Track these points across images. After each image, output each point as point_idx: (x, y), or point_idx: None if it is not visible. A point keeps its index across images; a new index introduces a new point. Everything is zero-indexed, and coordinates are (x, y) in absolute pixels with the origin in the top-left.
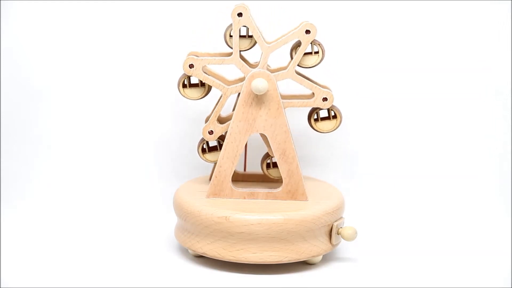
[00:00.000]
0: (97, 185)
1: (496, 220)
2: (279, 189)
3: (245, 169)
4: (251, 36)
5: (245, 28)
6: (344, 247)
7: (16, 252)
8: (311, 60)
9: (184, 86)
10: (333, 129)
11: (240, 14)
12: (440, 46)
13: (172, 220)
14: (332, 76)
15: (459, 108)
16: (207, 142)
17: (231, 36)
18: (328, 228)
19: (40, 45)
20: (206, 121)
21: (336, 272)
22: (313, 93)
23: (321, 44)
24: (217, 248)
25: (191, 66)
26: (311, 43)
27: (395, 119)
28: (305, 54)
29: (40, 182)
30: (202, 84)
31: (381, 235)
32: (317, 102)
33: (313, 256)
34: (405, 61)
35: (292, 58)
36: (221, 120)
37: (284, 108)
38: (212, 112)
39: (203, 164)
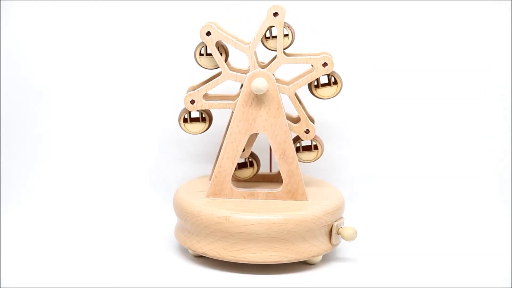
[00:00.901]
0: (97, 185)
1: (496, 220)
2: (279, 189)
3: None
4: (221, 53)
5: (217, 42)
6: (344, 247)
7: (16, 252)
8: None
9: (185, 121)
10: (333, 95)
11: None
12: (440, 46)
13: (172, 220)
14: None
15: (459, 108)
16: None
17: (201, 54)
18: (328, 228)
19: (40, 45)
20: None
21: (336, 272)
22: (312, 65)
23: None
24: (217, 248)
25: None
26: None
27: (395, 119)
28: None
29: (40, 182)
30: (203, 119)
31: (381, 235)
32: (319, 71)
33: (313, 256)
34: (405, 61)
35: (265, 46)
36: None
37: (294, 90)
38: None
39: (203, 164)
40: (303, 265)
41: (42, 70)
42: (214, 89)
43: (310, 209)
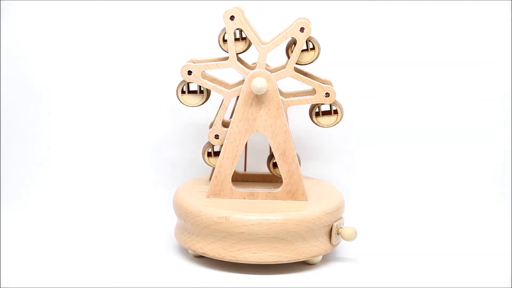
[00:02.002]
0: (97, 185)
1: (496, 220)
2: (279, 189)
3: (245, 169)
4: (245, 38)
5: (239, 30)
6: (344, 247)
7: (16, 252)
8: (308, 56)
9: (183, 92)
10: (334, 124)
11: (232, 18)
12: (439, 46)
13: (172, 220)
14: (332, 75)
15: (459, 109)
16: (188, 85)
17: (224, 40)
18: (328, 228)
19: (40, 45)
20: (211, 126)
21: (336, 272)
22: (315, 89)
23: (316, 40)
24: (217, 248)
25: (189, 72)
26: (330, 104)
27: (395, 119)
28: (301, 51)
29: (40, 182)
30: (201, 91)
31: (381, 235)
32: (319, 98)
33: (313, 256)
34: (405, 61)
35: (288, 56)
36: (225, 124)
37: (288, 106)
38: (216, 116)
39: (203, 164)
40: (303, 265)
41: (42, 70)
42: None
43: (310, 209)
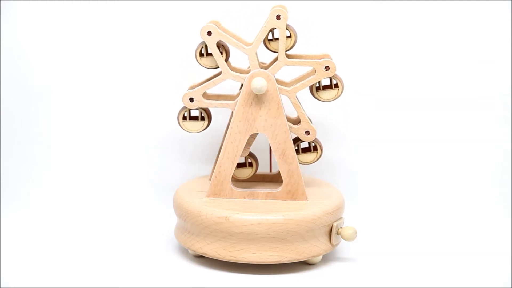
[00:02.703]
0: (97, 185)
1: (496, 220)
2: (279, 189)
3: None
4: (221, 53)
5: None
6: (344, 247)
7: (16, 252)
8: (331, 94)
9: (184, 118)
10: (335, 98)
11: (209, 33)
12: (439, 47)
13: (172, 220)
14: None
15: (459, 109)
16: (189, 111)
17: (201, 54)
18: (328, 228)
19: (40, 45)
20: (190, 89)
21: (336, 272)
22: (314, 69)
23: (341, 80)
24: (217, 248)
25: (191, 100)
26: (330, 78)
27: (395, 120)
28: (325, 87)
29: (40, 182)
30: (202, 117)
31: (381, 235)
32: (320, 74)
33: (313, 256)
34: (405, 62)
35: (267, 47)
36: (206, 97)
37: (295, 94)
38: (200, 83)
39: (203, 164)
40: (303, 265)
41: (42, 70)
42: (214, 89)
43: (310, 209)
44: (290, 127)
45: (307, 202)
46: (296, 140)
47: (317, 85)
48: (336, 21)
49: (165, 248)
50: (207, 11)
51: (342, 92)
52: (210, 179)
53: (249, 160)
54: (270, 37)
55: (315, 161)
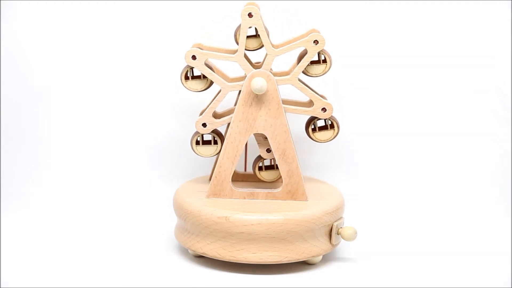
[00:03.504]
0: (97, 185)
1: (496, 220)
2: (279, 189)
3: (245, 169)
4: (258, 36)
5: (254, 28)
6: (344, 247)
7: (16, 252)
8: (319, 69)
9: (186, 78)
10: (330, 139)
11: (250, 15)
12: (440, 46)
13: (172, 220)
14: (331, 74)
15: (458, 109)
16: (202, 136)
17: (187, 78)
18: (328, 228)
19: (40, 45)
20: (201, 114)
21: (336, 272)
22: (312, 102)
23: (329, 54)
24: (217, 248)
25: (193, 57)
26: (318, 52)
27: (395, 119)
28: (313, 62)
29: (40, 182)
30: (204, 76)
31: (381, 235)
32: (316, 112)
33: (313, 256)
34: (405, 60)
35: (297, 63)
36: (216, 116)
37: (297, 77)
38: (208, 106)
39: (203, 164)
40: (303, 265)
41: (42, 70)
42: (222, 104)
43: (310, 209)
44: (305, 111)
45: (307, 202)
46: (312, 119)
47: (313, 126)
48: (333, 17)
49: (165, 248)
50: (207, 11)
51: (338, 133)
52: (210, 179)
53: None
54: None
55: (333, 139)
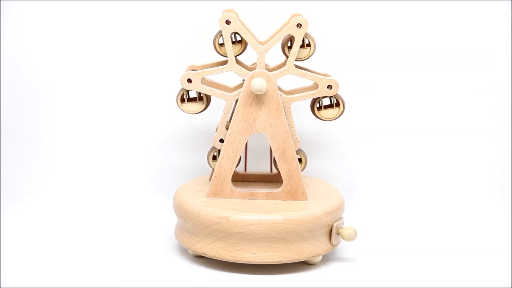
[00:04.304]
0: (97, 185)
1: (496, 220)
2: (279, 189)
3: (245, 169)
4: (240, 41)
5: (234, 33)
6: (344, 247)
7: (16, 252)
8: (304, 52)
9: (182, 100)
10: (337, 116)
11: (228, 22)
12: (440, 46)
13: (172, 220)
14: (330, 73)
15: (458, 109)
16: (188, 93)
17: (220, 44)
18: (328, 228)
19: (40, 45)
20: (216, 130)
21: (336, 272)
22: (316, 84)
23: (312, 36)
24: (217, 248)
25: (189, 80)
26: (330, 96)
27: (395, 119)
28: (326, 107)
29: (40, 182)
30: (200, 97)
31: (381, 235)
32: (322, 91)
33: (313, 256)
34: (405, 61)
35: (284, 53)
36: (204, 82)
37: (290, 103)
38: (201, 67)
39: (203, 164)
40: (303, 265)
41: (42, 70)
42: (214, 77)
43: (310, 209)
44: (312, 94)
45: (307, 202)
46: (316, 98)
47: (318, 105)
48: (333, 19)
49: (165, 248)
50: (207, 10)
51: (343, 111)
52: (210, 179)
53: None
54: (289, 44)
55: (338, 117)
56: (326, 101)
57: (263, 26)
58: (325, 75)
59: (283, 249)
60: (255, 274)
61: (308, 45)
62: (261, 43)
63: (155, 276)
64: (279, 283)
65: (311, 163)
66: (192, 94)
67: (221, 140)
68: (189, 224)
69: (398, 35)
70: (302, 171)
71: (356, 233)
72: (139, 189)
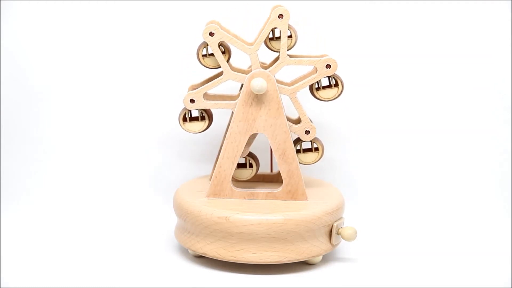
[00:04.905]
0: (97, 185)
1: (496, 220)
2: (279, 189)
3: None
4: (224, 52)
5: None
6: (344, 247)
7: (16, 252)
8: (330, 93)
9: (184, 120)
10: (334, 97)
11: (280, 16)
12: (440, 46)
13: (172, 220)
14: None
15: (458, 109)
16: (190, 112)
17: (203, 55)
18: (328, 228)
19: (40, 45)
20: (190, 89)
21: (336, 272)
22: (315, 68)
23: (341, 79)
24: (217, 248)
25: (191, 100)
26: (329, 77)
27: (395, 118)
28: (325, 87)
29: (40, 182)
30: (202, 116)
31: (381, 235)
32: (322, 73)
33: (313, 256)
34: (405, 61)
35: (268, 46)
36: (207, 97)
37: (295, 93)
38: (201, 84)
39: (203, 164)
40: (303, 265)
41: (42, 70)
42: (215, 89)
43: (310, 209)
44: (290, 126)
45: (307, 202)
46: (297, 141)
47: (317, 85)
48: (333, 19)
49: (165, 248)
50: (207, 11)
51: (342, 90)
52: (210, 179)
53: (250, 161)
54: (270, 35)
55: (316, 162)
56: (324, 82)
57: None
58: (321, 56)
59: (283, 249)
60: (255, 274)
61: (336, 85)
62: (249, 44)
63: (155, 276)
64: (279, 283)
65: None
66: (194, 113)
67: (192, 100)
68: (189, 224)
69: (398, 35)
70: (319, 160)
71: (356, 233)
72: (139, 189)
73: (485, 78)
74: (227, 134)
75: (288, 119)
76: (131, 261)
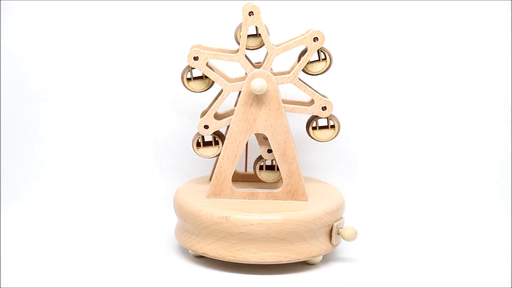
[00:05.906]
0: (97, 185)
1: (496, 220)
2: (279, 189)
3: (246, 169)
4: (259, 35)
5: (254, 27)
6: (344, 247)
7: (16, 252)
8: (318, 67)
9: (198, 145)
10: (330, 139)
11: (251, 13)
12: (440, 46)
13: (172, 220)
14: (331, 73)
15: (459, 108)
16: (203, 137)
17: (188, 79)
18: (328, 228)
19: (40, 45)
20: (202, 115)
21: (336, 272)
22: (313, 101)
23: (329, 51)
24: (217, 248)
25: (195, 58)
26: (318, 50)
27: (395, 119)
28: (313, 61)
29: (40, 182)
30: (216, 142)
31: (381, 235)
32: (316, 110)
33: (313, 256)
34: (405, 61)
35: (298, 62)
36: (218, 117)
37: (297, 76)
38: (209, 107)
39: (203, 164)
40: (303, 265)
41: (42, 70)
42: (223, 105)
43: (310, 209)
44: (305, 109)
45: (307, 202)
46: (313, 118)
47: (314, 125)
48: (332, 16)
49: (165, 248)
50: (207, 12)
51: (338, 133)
52: (210, 179)
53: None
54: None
55: (332, 139)
56: (322, 122)
57: (277, 29)
58: (324, 96)
59: (283, 249)
60: (255, 274)
61: (324, 59)
62: (234, 52)
63: (155, 276)
64: (279, 283)
65: (310, 163)
66: (197, 73)
67: (206, 126)
68: (189, 224)
69: (398, 34)
70: (335, 137)
71: (356, 233)
72: (139, 189)
73: (485, 77)
74: (227, 134)
75: (302, 103)
76: (131, 261)
